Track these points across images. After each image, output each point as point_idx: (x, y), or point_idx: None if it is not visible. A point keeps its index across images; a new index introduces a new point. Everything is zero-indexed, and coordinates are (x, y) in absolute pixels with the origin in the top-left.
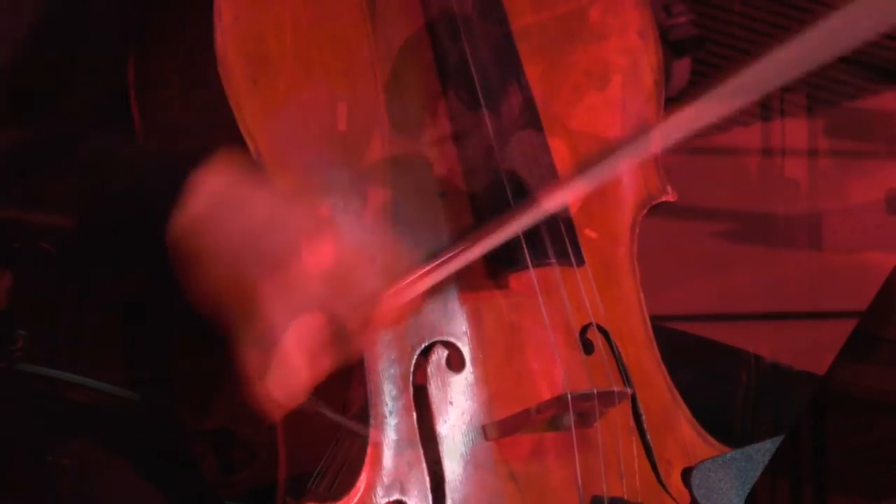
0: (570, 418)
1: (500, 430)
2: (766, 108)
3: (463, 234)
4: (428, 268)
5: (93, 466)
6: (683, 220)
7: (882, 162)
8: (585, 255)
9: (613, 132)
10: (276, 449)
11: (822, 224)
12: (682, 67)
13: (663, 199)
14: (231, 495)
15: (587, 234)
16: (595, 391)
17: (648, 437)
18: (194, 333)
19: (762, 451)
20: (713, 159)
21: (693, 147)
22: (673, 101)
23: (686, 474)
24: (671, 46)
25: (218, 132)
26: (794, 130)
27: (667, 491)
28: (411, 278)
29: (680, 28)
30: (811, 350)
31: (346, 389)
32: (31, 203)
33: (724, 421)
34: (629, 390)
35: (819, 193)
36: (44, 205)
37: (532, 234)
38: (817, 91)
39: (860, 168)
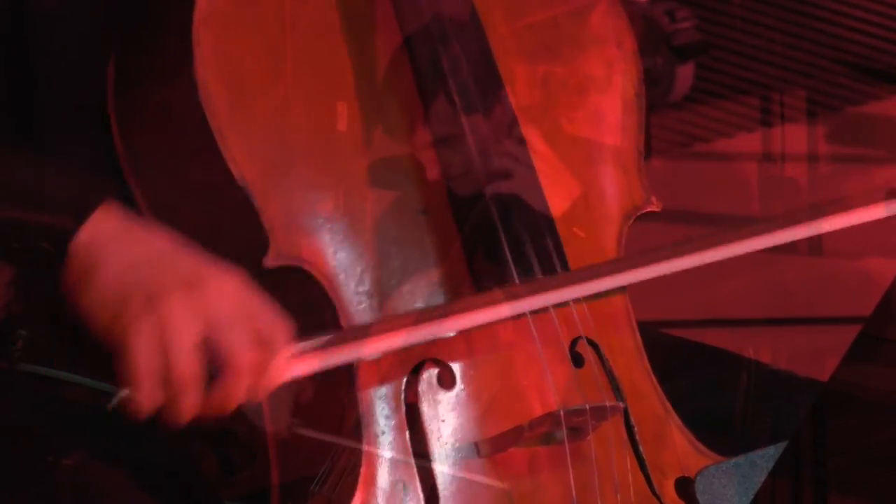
0: (563, 434)
1: (493, 446)
2: (767, 113)
3: (445, 254)
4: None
5: (93, 467)
6: (684, 226)
7: (882, 166)
8: (572, 268)
9: (595, 144)
10: (268, 458)
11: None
12: (686, 73)
13: (648, 209)
14: (231, 495)
15: (576, 233)
16: (587, 406)
17: (641, 448)
18: None
19: (765, 458)
20: (714, 164)
21: (694, 152)
22: (676, 106)
23: (680, 484)
24: (675, 52)
25: (201, 158)
26: (795, 135)
27: (661, 502)
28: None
29: (683, 33)
30: (812, 356)
31: (338, 409)
32: (30, 203)
33: (725, 427)
34: (622, 404)
35: (819, 197)
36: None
37: (518, 250)
38: (817, 95)
39: (860, 172)
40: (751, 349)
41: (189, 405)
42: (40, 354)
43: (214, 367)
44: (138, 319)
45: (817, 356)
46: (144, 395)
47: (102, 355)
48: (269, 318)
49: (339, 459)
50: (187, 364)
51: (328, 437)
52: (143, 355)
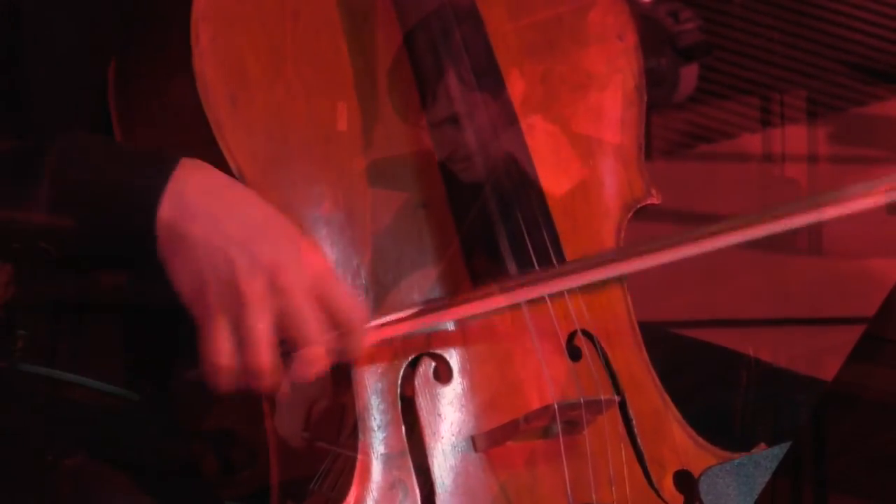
0: (558, 427)
1: (489, 440)
2: (767, 113)
3: (445, 248)
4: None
5: (93, 467)
6: (685, 226)
7: (881, 166)
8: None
9: (595, 138)
10: (269, 455)
11: (822, 228)
12: (690, 74)
13: (648, 201)
14: (231, 495)
15: (575, 225)
16: (582, 400)
17: (640, 441)
18: (194, 333)
19: (769, 457)
20: (715, 164)
21: (695, 152)
22: (679, 107)
23: (679, 477)
24: (679, 53)
25: (200, 151)
26: (795, 135)
27: (659, 495)
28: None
29: (688, 34)
30: (813, 356)
31: (334, 405)
32: (30, 203)
33: (728, 425)
34: (617, 397)
35: None
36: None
37: (514, 242)
38: (818, 96)
39: (861, 172)
40: (751, 350)
41: (265, 382)
42: (40, 354)
43: (292, 342)
44: (220, 297)
45: (817, 357)
46: (221, 373)
47: (102, 355)
48: (346, 298)
49: (339, 457)
50: (263, 350)
51: (323, 433)
52: (219, 340)
